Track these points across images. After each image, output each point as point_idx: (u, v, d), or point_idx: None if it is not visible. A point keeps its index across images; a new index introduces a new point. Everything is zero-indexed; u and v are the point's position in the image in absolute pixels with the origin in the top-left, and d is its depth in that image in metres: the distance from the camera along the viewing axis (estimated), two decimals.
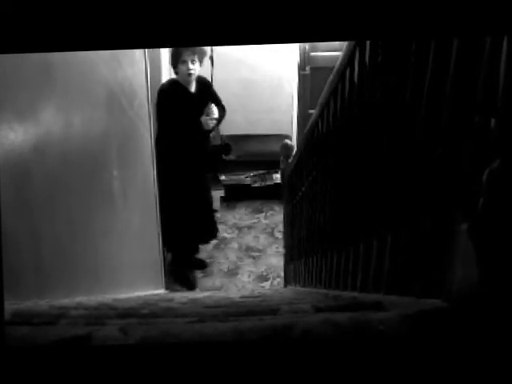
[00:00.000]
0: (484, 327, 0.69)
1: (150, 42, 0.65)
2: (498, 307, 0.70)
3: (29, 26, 0.57)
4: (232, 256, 4.18)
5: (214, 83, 3.73)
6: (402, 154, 1.17)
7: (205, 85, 3.53)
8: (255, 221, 4.60)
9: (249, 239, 4.37)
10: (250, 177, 4.70)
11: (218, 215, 4.63)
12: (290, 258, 3.35)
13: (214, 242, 4.22)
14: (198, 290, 3.78)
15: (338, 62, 1.69)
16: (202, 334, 0.72)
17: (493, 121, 0.77)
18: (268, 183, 4.73)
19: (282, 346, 0.71)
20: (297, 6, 0.59)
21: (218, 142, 4.00)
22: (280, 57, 4.54)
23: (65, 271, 1.66)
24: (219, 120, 3.57)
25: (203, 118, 3.43)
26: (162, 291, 3.48)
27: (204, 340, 0.71)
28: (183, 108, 3.42)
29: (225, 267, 4.07)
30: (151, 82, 3.21)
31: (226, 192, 4.76)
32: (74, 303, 1.48)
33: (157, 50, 3.50)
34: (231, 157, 3.98)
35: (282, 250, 3.85)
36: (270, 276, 3.96)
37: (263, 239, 4.16)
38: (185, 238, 3.70)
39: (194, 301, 1.83)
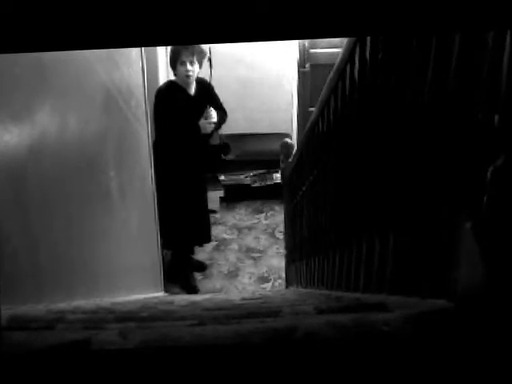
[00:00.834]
0: (490, 327, 0.69)
1: (147, 40, 0.65)
2: (504, 307, 0.70)
3: (28, 26, 0.57)
4: (232, 257, 4.18)
5: (212, 83, 3.73)
6: (404, 151, 1.17)
7: (205, 87, 3.53)
8: (255, 221, 4.60)
9: (249, 240, 4.37)
10: (250, 177, 4.70)
11: (217, 216, 4.63)
12: (291, 258, 3.35)
13: (213, 243, 4.22)
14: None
15: (339, 59, 1.69)
16: (202, 337, 0.72)
17: (496, 117, 0.77)
18: (268, 183, 4.73)
19: (284, 348, 0.70)
20: (295, 1, 0.58)
21: (216, 141, 4.00)
22: (279, 54, 4.54)
23: (62, 275, 1.66)
24: (219, 124, 3.57)
25: (201, 122, 3.43)
26: (161, 294, 3.48)
27: (204, 343, 0.71)
28: (181, 110, 3.41)
29: (225, 269, 4.07)
30: (148, 82, 3.21)
31: (225, 192, 4.76)
32: (71, 307, 1.48)
33: (153, 48, 3.50)
34: (230, 156, 3.98)
35: (283, 250, 3.85)
36: (271, 277, 3.96)
37: (264, 240, 4.16)
38: (181, 238, 3.72)
39: (193, 303, 1.83)
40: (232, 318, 0.97)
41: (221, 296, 2.92)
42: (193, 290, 3.79)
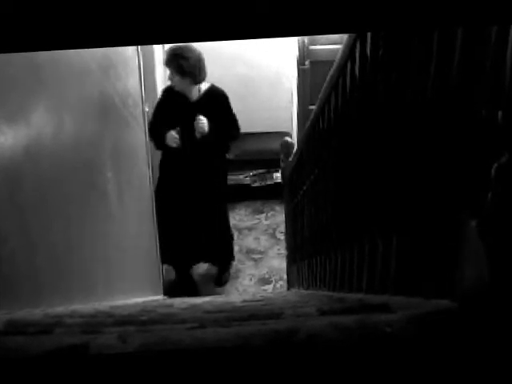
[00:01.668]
0: (495, 328, 0.69)
1: (145, 38, 0.65)
2: (510, 306, 0.70)
3: (26, 25, 0.57)
4: None
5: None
6: (407, 149, 1.17)
7: (216, 97, 3.49)
8: (256, 222, 4.60)
9: (249, 241, 4.38)
10: (250, 176, 4.70)
11: None
12: (292, 259, 3.35)
13: None
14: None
15: (339, 56, 1.69)
16: (203, 340, 0.72)
17: (500, 114, 0.77)
18: (268, 183, 4.73)
19: (286, 351, 0.71)
20: None
21: (231, 156, 4.01)
22: (278, 51, 4.54)
23: (60, 278, 1.66)
24: (225, 138, 3.54)
25: (168, 133, 3.41)
26: (160, 297, 3.48)
27: (205, 346, 0.71)
28: (174, 115, 3.43)
29: None
30: (145, 80, 3.22)
31: None
32: (69, 311, 1.48)
33: (150, 47, 3.50)
34: (229, 156, 3.98)
35: (284, 251, 3.85)
36: (273, 279, 3.96)
37: (264, 241, 4.16)
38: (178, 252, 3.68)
39: (194, 306, 1.84)
40: (233, 320, 0.97)
41: (221, 298, 2.92)
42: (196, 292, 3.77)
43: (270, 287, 3.89)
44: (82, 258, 1.91)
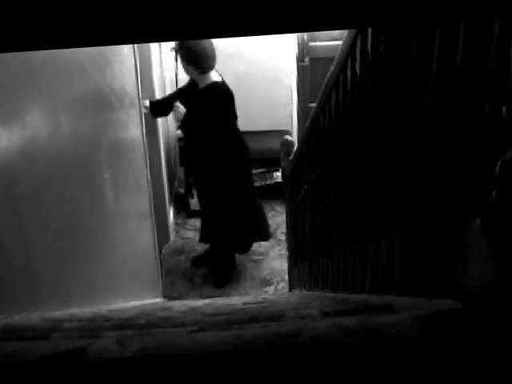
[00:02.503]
0: (500, 327, 0.69)
1: (142, 36, 0.65)
2: None
3: (24, 24, 0.57)
4: None
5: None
6: (409, 147, 1.17)
7: (211, 92, 3.49)
8: None
9: None
10: None
11: None
12: (294, 260, 3.35)
13: None
14: (211, 287, 3.89)
15: (339, 52, 1.69)
16: (203, 343, 0.72)
17: (504, 109, 0.77)
18: (268, 182, 4.73)
19: (288, 354, 0.70)
20: None
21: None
22: (277, 48, 4.54)
23: (57, 281, 1.66)
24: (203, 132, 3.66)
25: (173, 109, 3.64)
26: (159, 300, 3.48)
27: (206, 350, 0.71)
28: (184, 98, 3.63)
29: None
30: (141, 79, 3.21)
31: None
32: (66, 315, 1.48)
33: (146, 45, 3.50)
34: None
35: (285, 252, 3.85)
36: (274, 280, 3.96)
37: (265, 242, 4.15)
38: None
39: (193, 309, 1.84)
40: (233, 323, 0.97)
41: (222, 300, 2.92)
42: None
43: (271, 289, 3.89)
44: (79, 261, 1.91)
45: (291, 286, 3.47)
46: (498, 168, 0.75)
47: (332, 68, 1.81)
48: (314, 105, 2.27)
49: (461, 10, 0.60)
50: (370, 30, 1.40)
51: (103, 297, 2.16)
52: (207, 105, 3.49)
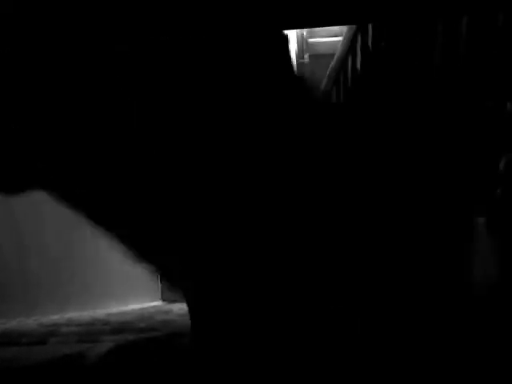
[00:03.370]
0: (506, 327, 0.68)
1: (135, 36, 0.65)
2: None
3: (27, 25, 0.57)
4: None
5: None
6: (413, 146, 1.17)
7: None
8: None
9: None
10: None
11: None
12: None
13: None
14: None
15: (339, 49, 1.69)
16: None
17: (509, 105, 0.77)
18: None
19: None
20: None
21: None
22: None
23: (54, 286, 1.66)
24: None
25: None
26: (158, 303, 3.48)
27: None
28: None
29: None
30: None
31: None
32: (65, 319, 1.47)
33: None
34: None
35: None
36: None
37: None
38: None
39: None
40: None
41: None
42: None
43: None
44: (77, 265, 1.91)
45: None
46: (502, 166, 0.75)
47: (332, 64, 1.80)
48: None
49: (463, 3, 0.60)
50: (370, 25, 1.39)
51: (102, 301, 2.15)
52: None
